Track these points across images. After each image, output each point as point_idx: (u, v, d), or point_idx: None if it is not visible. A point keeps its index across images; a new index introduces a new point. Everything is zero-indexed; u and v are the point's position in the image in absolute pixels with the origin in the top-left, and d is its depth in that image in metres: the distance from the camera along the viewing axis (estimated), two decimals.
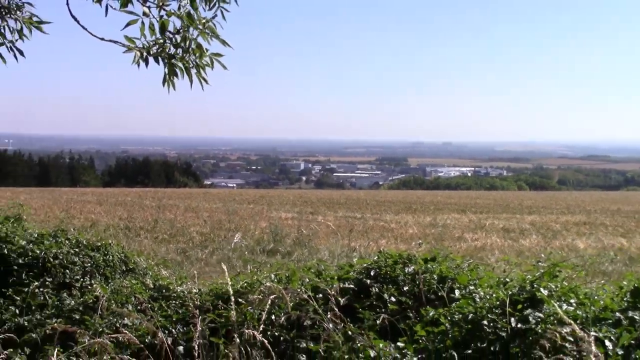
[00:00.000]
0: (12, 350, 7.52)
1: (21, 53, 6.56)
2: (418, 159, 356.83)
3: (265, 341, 6.37)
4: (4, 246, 11.17)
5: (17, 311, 9.94)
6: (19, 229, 11.82)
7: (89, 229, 21.93)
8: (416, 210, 48.78)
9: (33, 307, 9.96)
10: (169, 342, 7.61)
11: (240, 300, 8.16)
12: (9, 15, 6.30)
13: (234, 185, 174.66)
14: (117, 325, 8.61)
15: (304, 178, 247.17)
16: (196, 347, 6.61)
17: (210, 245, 24.30)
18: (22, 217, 12.30)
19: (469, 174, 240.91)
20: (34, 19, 6.45)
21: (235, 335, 6.83)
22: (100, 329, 8.42)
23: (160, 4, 6.87)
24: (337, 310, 7.60)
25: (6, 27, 6.32)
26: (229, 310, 8.22)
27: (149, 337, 7.83)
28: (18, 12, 6.34)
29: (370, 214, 43.28)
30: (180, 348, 7.83)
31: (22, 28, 6.41)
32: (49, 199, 49.84)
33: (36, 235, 11.83)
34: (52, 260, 11.03)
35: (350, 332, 7.10)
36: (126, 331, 7.74)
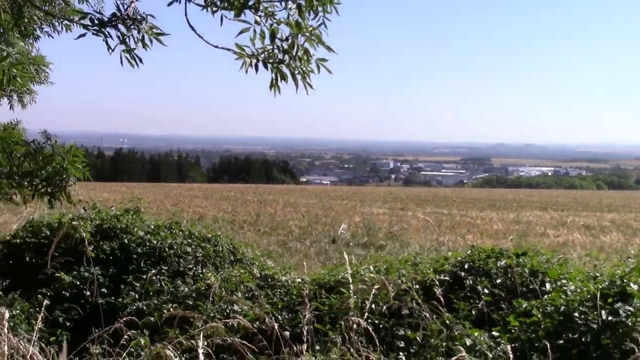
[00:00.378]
0: (135, 331, 7.64)
1: (140, 60, 6.64)
2: (501, 159, 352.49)
3: (370, 328, 6.34)
4: (124, 236, 11.41)
5: (137, 296, 10.14)
6: (137, 221, 12.04)
7: (197, 221, 22.19)
8: (500, 207, 48.15)
9: (151, 293, 10.15)
10: (275, 328, 7.62)
11: (342, 289, 8.16)
12: (133, 27, 6.39)
13: (328, 182, 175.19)
14: (228, 311, 8.70)
15: (393, 176, 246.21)
16: (305, 332, 6.61)
17: (309, 238, 24.41)
18: (141, 210, 12.49)
19: (549, 174, 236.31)
20: (155, 30, 6.54)
21: (343, 322, 6.83)
22: (212, 314, 8.52)
23: (270, 13, 6.92)
24: (434, 300, 7.56)
25: (131, 37, 6.40)
26: (331, 299, 8.25)
27: (257, 323, 7.86)
28: (141, 24, 6.43)
29: (456, 210, 42.90)
30: (287, 333, 7.85)
31: (143, 37, 6.49)
32: (160, 194, 50.71)
33: (153, 227, 12.04)
34: (167, 250, 11.23)
35: (448, 322, 7.05)
36: (238, 316, 7.83)
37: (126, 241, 11.30)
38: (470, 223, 32.67)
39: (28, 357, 5.91)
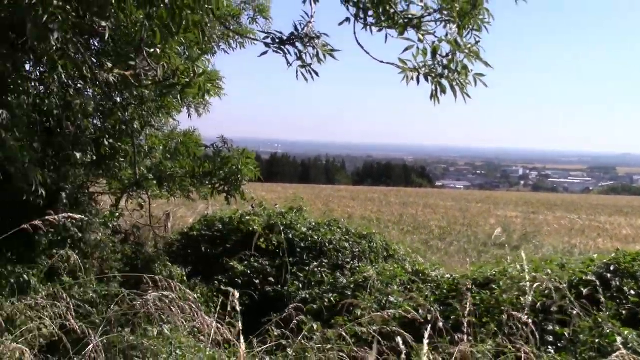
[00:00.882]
0: (303, 317, 7.70)
1: (316, 74, 6.75)
2: (626, 168, 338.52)
3: (530, 321, 6.17)
4: (289, 232, 11.60)
5: (300, 286, 10.27)
6: (300, 218, 12.21)
7: (346, 220, 22.32)
8: (627, 213, 46.10)
9: (312, 283, 10.25)
10: (428, 319, 7.55)
11: (493, 286, 8.04)
12: (309, 44, 6.49)
13: (461, 186, 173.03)
14: (384, 301, 8.68)
15: (522, 182, 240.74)
16: (465, 323, 6.51)
17: (448, 238, 24.18)
18: (303, 208, 12.66)
19: None
20: (328, 47, 6.63)
21: (505, 316, 6.70)
22: (370, 304, 8.52)
23: (431, 32, 6.93)
24: (583, 299, 7.33)
25: (307, 53, 6.51)
26: (481, 294, 8.11)
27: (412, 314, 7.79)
28: (316, 41, 6.52)
29: (585, 215, 41.39)
30: (441, 324, 7.76)
31: (318, 53, 6.58)
32: (311, 194, 51.20)
33: (313, 224, 12.18)
34: (327, 245, 11.34)
35: (599, 319, 6.79)
36: (392, 307, 7.82)
37: (291, 236, 11.50)
38: (600, 227, 31.53)
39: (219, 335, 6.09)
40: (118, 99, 9.75)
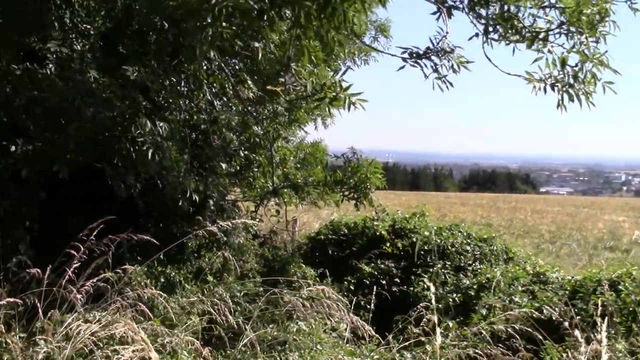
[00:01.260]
0: (432, 316, 7.61)
1: (451, 84, 6.75)
2: None
3: None
4: (412, 235, 11.54)
5: (425, 286, 10.20)
6: (422, 223, 12.11)
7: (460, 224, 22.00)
8: None
9: (436, 284, 10.15)
10: (555, 318, 7.31)
11: (620, 287, 7.75)
12: (444, 57, 6.49)
13: (564, 192, 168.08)
14: (507, 301, 8.51)
15: (624, 188, 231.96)
16: (599, 322, 6.28)
17: (559, 241, 23.52)
18: (425, 214, 12.56)
19: None
20: (462, 59, 6.62)
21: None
22: (494, 304, 8.37)
23: (562, 44, 6.84)
24: None
25: (442, 65, 6.50)
26: (606, 295, 7.82)
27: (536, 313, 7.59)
28: (450, 54, 6.51)
29: None
30: (566, 324, 7.52)
31: (452, 65, 6.56)
32: (422, 200, 50.67)
33: (436, 228, 12.06)
34: (449, 247, 11.21)
35: None
36: (516, 307, 7.66)
37: (414, 239, 11.41)
38: None
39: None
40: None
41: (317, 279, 9.98)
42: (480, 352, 6.10)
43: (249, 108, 9.14)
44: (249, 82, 8.67)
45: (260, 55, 5.94)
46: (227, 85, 8.92)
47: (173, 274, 8.45)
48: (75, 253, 5.73)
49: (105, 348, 4.97)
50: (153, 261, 8.08)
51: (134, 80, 7.43)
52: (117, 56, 7.98)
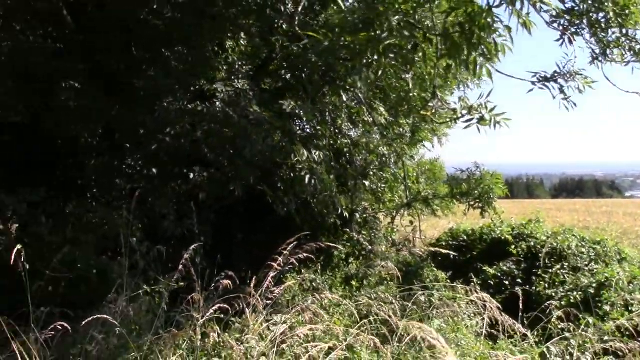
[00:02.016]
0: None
1: (574, 104, 6.64)
2: None
3: None
4: (530, 240, 11.33)
5: (546, 286, 9.99)
6: (538, 228, 11.85)
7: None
8: None
9: (556, 283, 9.92)
10: None
11: None
12: (570, 79, 6.41)
13: None
14: (627, 298, 8.25)
15: None
16: None
17: None
18: (540, 220, 12.26)
19: None
20: (589, 79, 6.52)
21: None
22: (613, 302, 8.12)
23: None
24: None
25: (569, 87, 6.42)
26: None
27: None
28: (577, 76, 6.43)
29: None
30: None
31: (578, 86, 6.46)
32: (519, 207, 49.52)
33: (550, 232, 11.77)
34: (566, 250, 10.90)
35: None
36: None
37: (532, 243, 11.19)
38: None
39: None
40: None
41: (448, 280, 9.94)
42: (623, 345, 5.92)
43: (383, 132, 9.24)
44: (382, 109, 8.80)
45: (411, 84, 6.05)
46: (362, 113, 9.05)
47: (321, 279, 8.64)
48: (274, 264, 5.94)
49: (296, 346, 5.14)
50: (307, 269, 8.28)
51: (289, 113, 7.68)
52: (273, 92, 8.28)
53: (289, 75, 7.69)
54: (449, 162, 12.66)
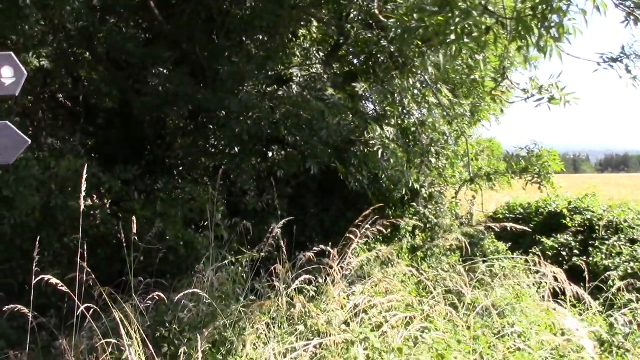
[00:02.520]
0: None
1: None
2: None
3: None
4: (587, 213, 11.20)
5: (602, 257, 9.87)
6: (594, 201, 11.66)
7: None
8: None
9: (613, 254, 9.86)
10: None
11: None
12: (637, 59, 6.27)
13: None
14: None
15: None
16: None
17: None
18: (595, 194, 12.04)
19: None
20: None
21: None
22: None
23: None
24: None
25: (636, 67, 6.28)
26: None
27: None
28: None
29: None
30: None
31: None
32: (568, 182, 48.23)
33: (606, 206, 11.58)
34: (622, 222, 10.73)
35: None
36: None
37: (589, 216, 11.05)
38: None
39: None
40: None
41: (508, 252, 9.90)
42: None
43: (446, 112, 9.21)
44: (445, 90, 8.78)
45: (483, 66, 6.06)
46: (427, 94, 9.05)
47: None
48: (353, 238, 6.03)
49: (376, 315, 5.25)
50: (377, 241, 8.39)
51: (360, 94, 7.77)
52: (344, 75, 8.38)
53: (360, 59, 7.75)
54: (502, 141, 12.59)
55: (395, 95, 8.12)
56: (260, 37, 8.18)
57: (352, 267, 6.16)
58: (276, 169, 7.78)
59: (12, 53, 3.80)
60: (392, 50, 7.11)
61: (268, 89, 7.83)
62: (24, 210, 6.92)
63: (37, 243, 7.75)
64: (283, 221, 6.06)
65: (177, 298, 5.38)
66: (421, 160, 8.50)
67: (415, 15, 4.86)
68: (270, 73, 7.83)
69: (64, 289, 4.65)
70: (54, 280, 4.67)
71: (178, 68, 7.90)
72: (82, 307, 4.66)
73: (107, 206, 7.74)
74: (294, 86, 7.98)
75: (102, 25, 7.99)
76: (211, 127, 8.22)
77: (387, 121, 7.75)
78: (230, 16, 8.19)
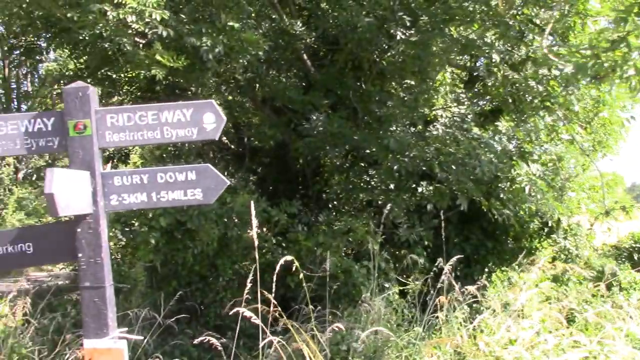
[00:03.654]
0: None
1: None
2: None
3: None
4: None
5: None
6: None
7: None
8: None
9: None
10: None
11: None
12: None
13: None
14: None
15: None
16: None
17: None
18: None
19: None
20: None
21: None
22: None
23: None
24: None
25: None
26: None
27: None
28: None
29: None
30: None
31: None
32: None
33: None
34: None
35: None
36: None
37: None
38: None
39: None
40: None
41: None
42: None
43: (580, 146, 8.79)
44: (577, 126, 8.40)
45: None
46: (559, 130, 8.67)
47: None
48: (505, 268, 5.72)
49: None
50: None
51: (505, 132, 7.53)
52: (485, 114, 8.18)
53: (505, 98, 7.52)
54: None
55: (532, 133, 7.85)
56: (408, 82, 8.17)
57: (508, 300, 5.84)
58: (425, 203, 7.63)
59: (212, 101, 3.87)
60: (541, 89, 6.85)
61: (414, 129, 7.74)
62: (205, 241, 7.14)
63: (214, 269, 8.00)
64: (454, 258, 5.84)
65: (346, 325, 5.27)
66: (560, 193, 8.11)
67: (588, 52, 4.62)
68: (418, 113, 7.75)
69: (249, 314, 4.58)
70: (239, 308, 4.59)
71: (334, 112, 7.98)
72: (268, 334, 4.55)
73: (273, 237, 7.85)
74: (437, 126, 7.85)
75: (266, 76, 8.22)
76: (363, 165, 8.22)
77: (530, 157, 7.46)
78: (377, 64, 8.25)
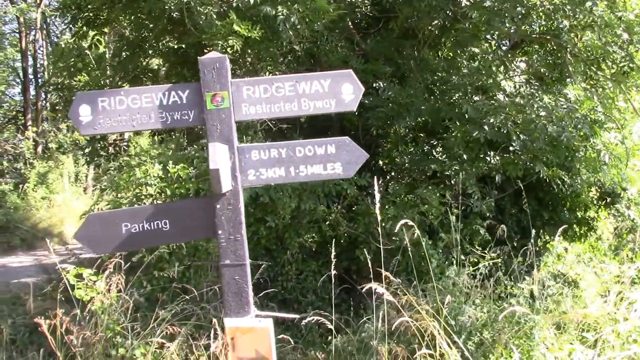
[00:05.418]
0: None
1: None
2: None
3: None
4: None
5: None
6: None
7: None
8: None
9: None
10: None
11: None
12: None
13: None
14: None
15: None
16: None
17: None
18: None
19: None
20: None
21: None
22: None
23: None
24: None
25: None
26: None
27: None
28: None
29: None
30: None
31: None
32: None
33: None
34: None
35: None
36: None
37: None
38: None
39: None
40: None
41: None
42: None
43: None
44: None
45: None
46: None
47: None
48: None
49: None
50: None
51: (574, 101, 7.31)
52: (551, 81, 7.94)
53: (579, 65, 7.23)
54: None
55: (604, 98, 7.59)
56: (472, 50, 7.87)
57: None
58: (494, 173, 7.41)
59: (351, 71, 3.68)
60: (623, 55, 6.57)
61: (477, 97, 7.47)
62: (280, 214, 6.96)
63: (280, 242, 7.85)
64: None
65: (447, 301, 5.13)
66: (626, 162, 7.88)
67: None
68: (487, 82, 7.47)
69: (381, 290, 4.43)
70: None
71: (399, 82, 7.71)
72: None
73: (341, 209, 7.67)
74: (499, 95, 7.59)
75: (325, 46, 7.92)
76: (430, 135, 7.98)
77: (605, 126, 7.21)
78: (440, 31, 7.99)
